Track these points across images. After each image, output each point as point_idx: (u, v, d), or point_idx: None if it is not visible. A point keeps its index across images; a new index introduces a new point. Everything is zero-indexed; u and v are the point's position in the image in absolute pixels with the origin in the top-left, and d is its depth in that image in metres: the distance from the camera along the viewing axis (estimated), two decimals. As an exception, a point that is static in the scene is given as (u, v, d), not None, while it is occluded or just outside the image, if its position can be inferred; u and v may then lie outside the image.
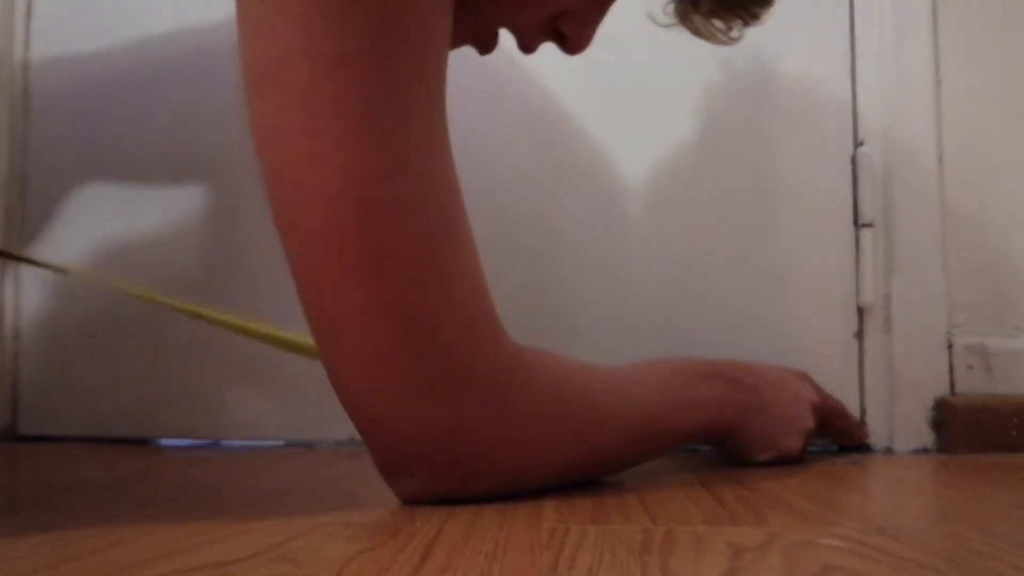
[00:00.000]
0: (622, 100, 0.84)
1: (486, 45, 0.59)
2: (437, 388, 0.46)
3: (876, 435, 0.81)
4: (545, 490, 0.53)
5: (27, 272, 0.87)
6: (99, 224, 0.86)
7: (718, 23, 0.62)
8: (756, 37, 0.84)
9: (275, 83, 0.43)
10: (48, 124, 0.88)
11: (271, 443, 0.84)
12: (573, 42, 0.59)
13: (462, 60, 0.88)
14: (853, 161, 0.83)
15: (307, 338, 0.51)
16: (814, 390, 0.71)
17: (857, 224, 0.82)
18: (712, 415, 0.63)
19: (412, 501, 0.50)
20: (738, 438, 0.66)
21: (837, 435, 0.76)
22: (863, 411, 0.81)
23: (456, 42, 0.52)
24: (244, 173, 0.84)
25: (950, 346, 0.81)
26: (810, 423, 0.69)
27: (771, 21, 0.83)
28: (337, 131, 0.43)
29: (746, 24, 0.62)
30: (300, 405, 0.83)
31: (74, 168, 0.88)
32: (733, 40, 0.64)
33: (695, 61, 0.84)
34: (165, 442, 0.85)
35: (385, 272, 0.45)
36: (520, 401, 0.49)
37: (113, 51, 0.88)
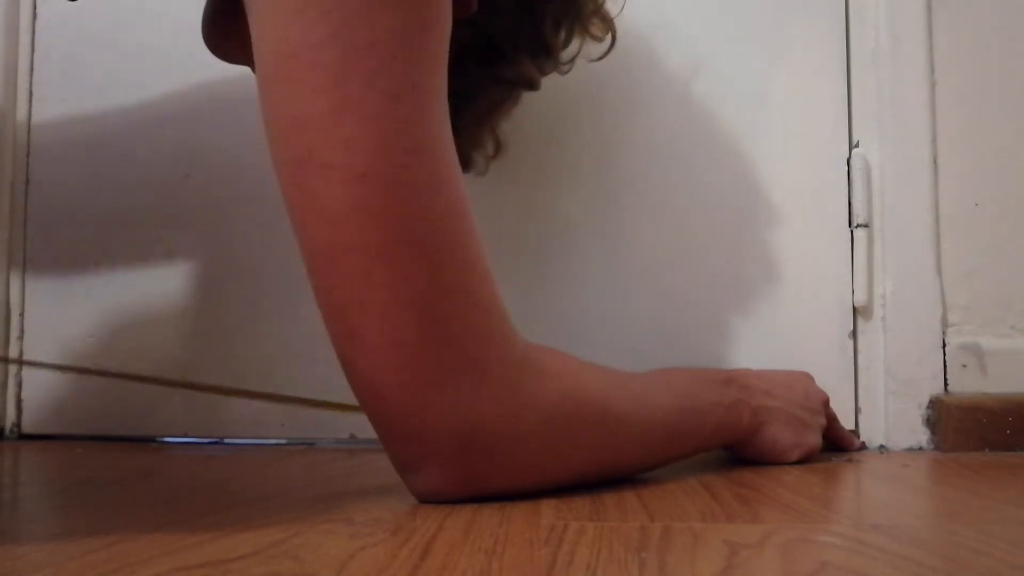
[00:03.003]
0: (618, 102, 0.85)
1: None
2: (454, 377, 0.46)
3: (871, 433, 0.81)
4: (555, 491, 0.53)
5: (32, 273, 0.88)
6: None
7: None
8: (752, 38, 0.85)
9: (307, 67, 0.44)
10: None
11: (273, 441, 0.84)
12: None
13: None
14: (848, 162, 0.83)
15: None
16: (820, 389, 0.73)
17: (852, 225, 0.82)
18: (729, 419, 0.63)
19: (428, 499, 0.50)
20: (760, 441, 0.66)
21: (832, 440, 0.77)
22: (858, 410, 0.82)
23: None
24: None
25: (944, 345, 0.81)
26: (824, 419, 0.71)
27: (767, 23, 0.85)
28: (366, 112, 0.44)
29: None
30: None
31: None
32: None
33: (691, 63, 0.84)
34: (168, 441, 0.85)
35: (408, 255, 0.45)
36: (534, 397, 0.49)
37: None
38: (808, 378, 0.73)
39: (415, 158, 0.45)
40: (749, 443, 0.66)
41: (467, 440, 0.47)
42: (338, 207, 0.44)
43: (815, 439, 0.69)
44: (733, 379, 0.65)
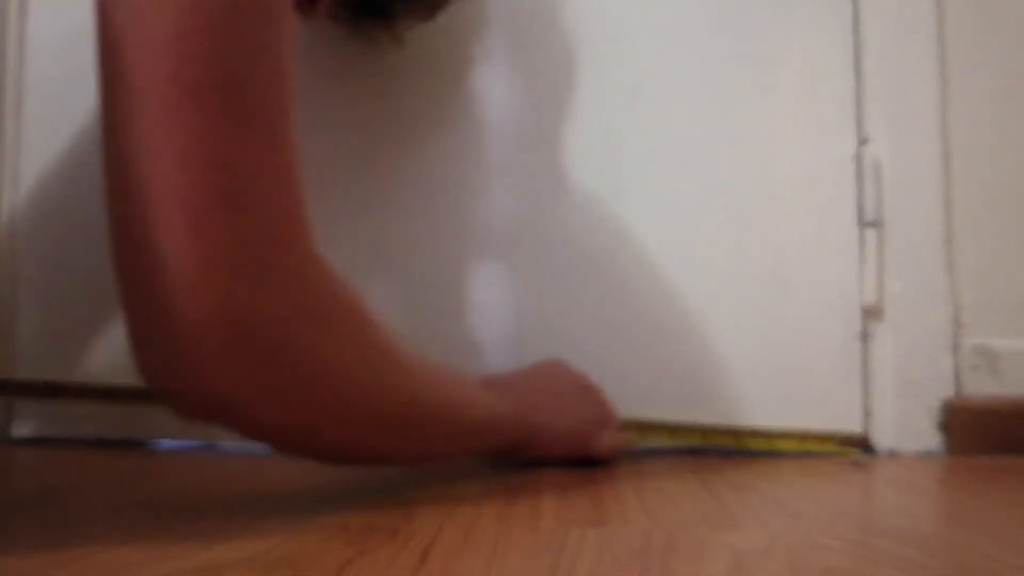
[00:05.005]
0: (622, 99, 0.84)
1: None
2: (244, 258, 0.43)
3: (881, 437, 0.80)
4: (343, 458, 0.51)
5: (22, 275, 0.87)
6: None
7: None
8: (759, 32, 0.85)
9: None
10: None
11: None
12: None
13: (459, 65, 0.89)
14: (857, 159, 0.82)
15: None
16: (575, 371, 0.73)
17: (860, 223, 0.82)
18: (505, 414, 0.62)
19: (193, 415, 0.46)
20: (538, 442, 0.65)
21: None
22: (867, 413, 0.81)
23: None
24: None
25: (956, 347, 0.80)
26: (596, 395, 0.71)
27: (775, 17, 0.84)
28: None
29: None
30: None
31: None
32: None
33: (697, 58, 0.84)
34: (160, 444, 0.85)
35: (222, 102, 0.43)
36: (320, 312, 0.46)
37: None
38: (560, 364, 0.72)
39: (249, 10, 0.43)
40: (527, 445, 0.65)
41: (241, 336, 0.43)
42: (157, 32, 0.42)
43: (602, 441, 0.69)
44: (509, 384, 0.66)
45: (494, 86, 0.84)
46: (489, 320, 0.82)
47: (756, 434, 0.79)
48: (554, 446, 0.66)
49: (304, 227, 0.46)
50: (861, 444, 0.80)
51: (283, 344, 0.44)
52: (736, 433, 0.79)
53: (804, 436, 0.79)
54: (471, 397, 0.59)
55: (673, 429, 0.79)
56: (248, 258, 0.43)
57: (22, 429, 0.87)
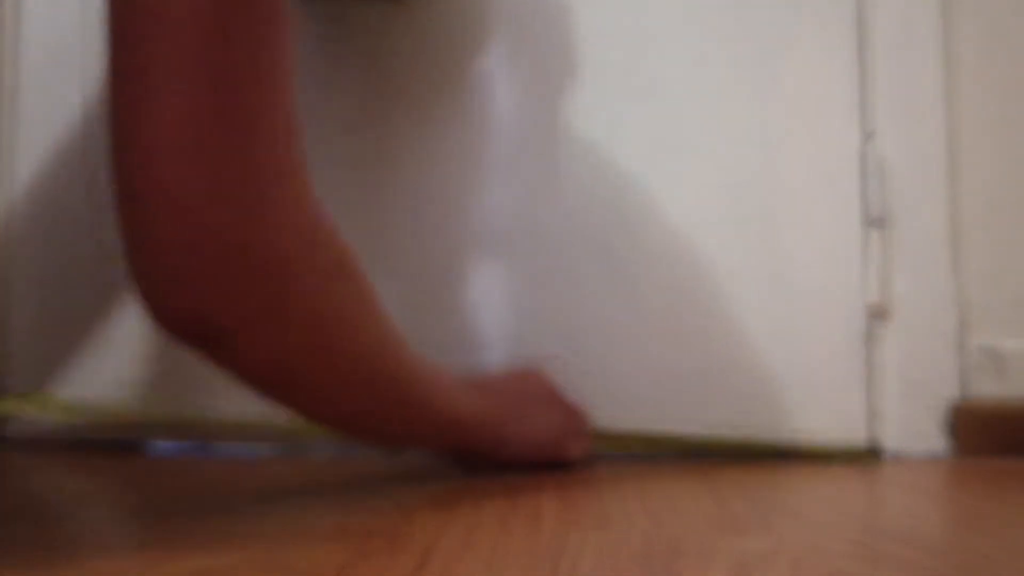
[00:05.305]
0: (624, 96, 0.84)
1: None
2: (242, 181, 0.44)
3: (886, 438, 0.79)
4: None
5: (17, 276, 0.87)
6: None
7: None
8: (763, 30, 0.84)
9: None
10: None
11: (264, 448, 0.83)
12: None
13: (458, 64, 0.88)
14: (862, 156, 0.82)
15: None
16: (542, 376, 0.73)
17: (865, 221, 0.81)
18: (475, 411, 0.62)
19: (184, 339, 0.46)
20: (507, 446, 0.65)
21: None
22: (872, 415, 0.80)
23: None
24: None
25: (962, 347, 0.79)
26: (558, 400, 0.71)
27: (778, 14, 0.83)
28: None
29: None
30: None
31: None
32: None
33: (700, 55, 0.83)
34: (154, 447, 0.84)
35: (224, 30, 0.43)
36: (311, 248, 0.47)
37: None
38: (531, 371, 0.72)
39: None
40: (496, 448, 0.65)
41: (233, 258, 0.44)
42: None
43: (569, 446, 0.69)
44: (484, 386, 0.66)
45: (494, 85, 0.84)
46: (488, 319, 0.81)
47: (760, 437, 0.78)
48: (523, 450, 0.66)
49: (301, 164, 0.47)
50: (866, 446, 0.79)
51: (273, 271, 0.45)
52: (740, 438, 0.78)
53: (808, 438, 0.79)
54: (446, 384, 0.59)
55: (677, 440, 0.78)
56: (244, 182, 0.44)
57: (16, 431, 0.86)
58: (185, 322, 0.45)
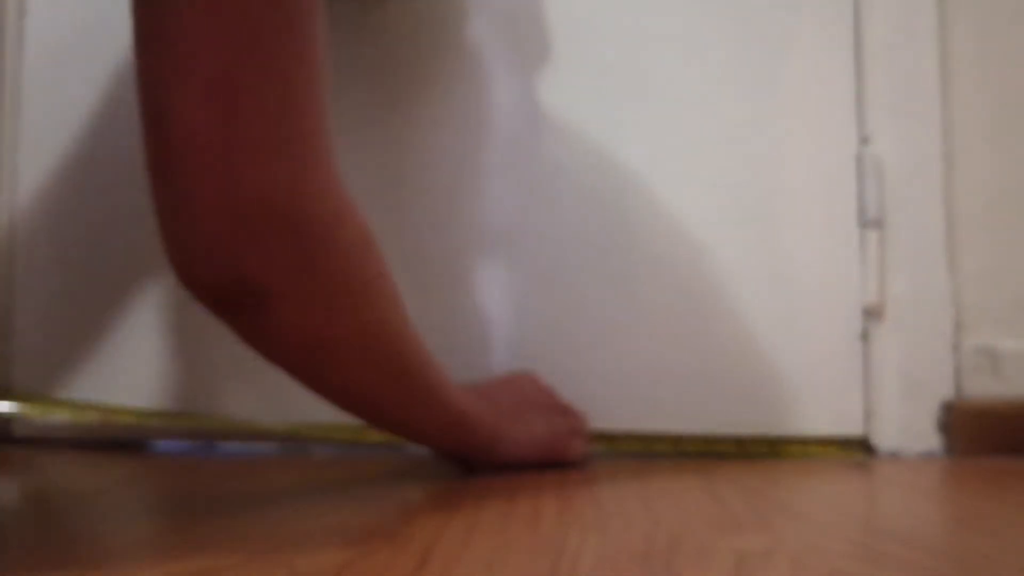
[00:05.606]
0: (623, 97, 0.84)
1: None
2: (278, 148, 0.45)
3: (882, 438, 0.80)
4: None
5: (21, 275, 0.87)
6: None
7: None
8: (760, 32, 0.84)
9: None
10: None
11: (265, 448, 0.83)
12: None
13: (457, 63, 0.88)
14: (858, 158, 0.82)
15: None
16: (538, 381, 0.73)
17: (862, 223, 0.81)
18: (474, 412, 0.62)
19: (216, 303, 0.47)
20: (503, 448, 0.65)
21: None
22: (868, 414, 0.80)
23: None
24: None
25: (957, 347, 0.80)
26: (555, 405, 0.71)
27: (775, 16, 0.83)
28: None
29: None
30: (296, 408, 0.82)
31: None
32: None
33: (696, 56, 0.83)
34: (159, 446, 0.84)
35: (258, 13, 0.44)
36: (339, 217, 0.48)
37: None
38: (527, 376, 0.73)
39: None
40: (491, 447, 0.65)
41: (274, 224, 0.45)
42: None
43: (569, 447, 0.70)
44: (482, 391, 0.67)
45: (493, 84, 0.84)
46: (489, 320, 0.81)
47: (757, 437, 0.79)
48: (523, 451, 0.67)
49: (332, 144, 0.47)
50: (862, 445, 0.79)
51: (310, 236, 0.46)
52: (738, 438, 0.79)
53: (805, 438, 0.79)
54: (449, 383, 0.60)
55: (676, 440, 0.78)
56: (282, 149, 0.45)
57: (22, 429, 0.86)
58: (222, 287, 0.46)
